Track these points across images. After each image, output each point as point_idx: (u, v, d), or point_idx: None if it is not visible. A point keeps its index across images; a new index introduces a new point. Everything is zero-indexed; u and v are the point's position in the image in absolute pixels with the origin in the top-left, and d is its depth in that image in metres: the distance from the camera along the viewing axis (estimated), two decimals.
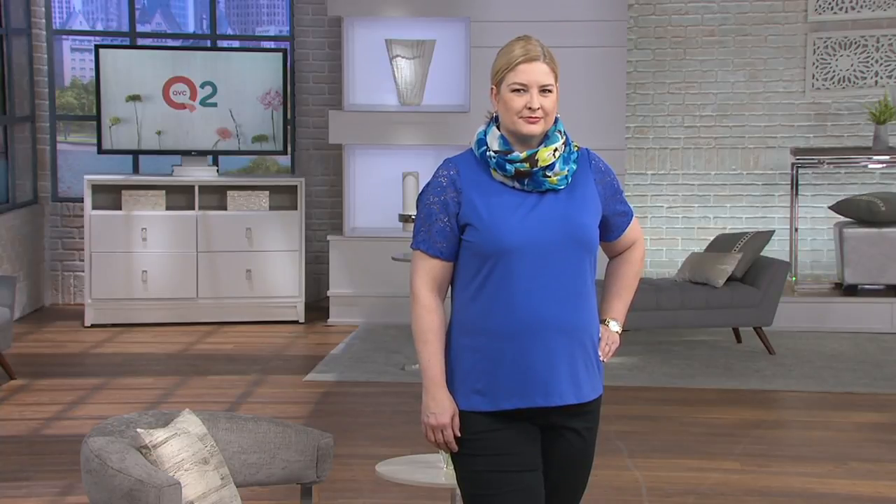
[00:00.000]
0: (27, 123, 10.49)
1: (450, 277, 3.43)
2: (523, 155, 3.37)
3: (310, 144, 10.75)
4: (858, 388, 7.87)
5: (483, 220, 3.35)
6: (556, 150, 3.39)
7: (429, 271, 3.41)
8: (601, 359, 3.47)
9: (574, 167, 3.43)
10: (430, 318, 3.39)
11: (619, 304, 3.57)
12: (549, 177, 3.38)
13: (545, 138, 3.41)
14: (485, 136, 3.43)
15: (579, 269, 3.38)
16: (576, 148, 3.47)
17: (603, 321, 3.53)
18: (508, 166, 3.37)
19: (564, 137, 3.43)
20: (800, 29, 10.41)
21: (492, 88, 3.42)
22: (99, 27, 11.46)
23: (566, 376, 3.37)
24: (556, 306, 3.34)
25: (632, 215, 3.56)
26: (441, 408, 3.37)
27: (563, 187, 3.40)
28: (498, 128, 3.43)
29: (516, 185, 3.38)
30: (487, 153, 3.40)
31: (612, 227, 3.53)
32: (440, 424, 3.37)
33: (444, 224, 3.39)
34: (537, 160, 3.36)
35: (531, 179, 3.37)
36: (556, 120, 3.43)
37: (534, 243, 3.34)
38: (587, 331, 3.41)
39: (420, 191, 3.47)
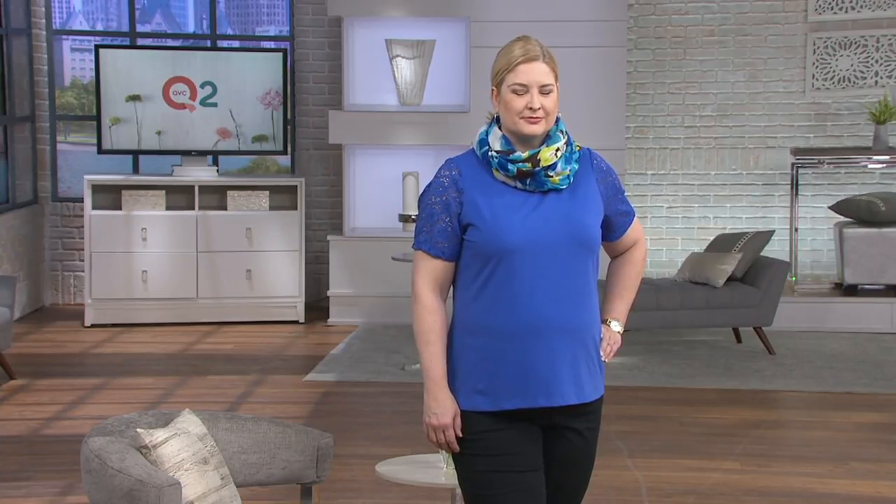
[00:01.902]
0: (27, 123, 10.49)
1: (451, 277, 3.43)
2: (525, 155, 3.37)
3: (310, 144, 10.75)
4: (858, 388, 7.87)
5: (485, 221, 3.35)
6: (557, 149, 3.39)
7: (430, 271, 3.41)
8: (603, 359, 3.47)
9: (576, 167, 3.43)
10: (431, 319, 3.39)
11: (621, 304, 3.57)
12: (551, 177, 3.38)
13: (547, 138, 3.40)
14: (486, 136, 3.43)
15: (581, 269, 3.38)
16: (577, 148, 3.47)
17: (604, 321, 3.53)
18: (510, 166, 3.37)
19: (566, 137, 3.43)
20: (800, 29, 10.41)
21: (492, 90, 3.41)
22: (99, 27, 11.46)
23: (568, 376, 3.37)
24: (558, 306, 3.34)
25: (633, 215, 3.56)
26: (443, 408, 3.37)
27: (565, 187, 3.40)
28: (500, 128, 3.43)
29: (518, 185, 3.38)
30: (489, 153, 3.40)
31: (613, 227, 3.52)
32: (442, 425, 3.36)
33: (445, 224, 3.38)
34: (539, 160, 3.36)
35: (533, 179, 3.37)
36: (558, 120, 3.43)
37: (536, 243, 3.34)
38: (589, 331, 3.41)
39: (421, 191, 3.47)
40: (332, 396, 7.72)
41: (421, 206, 3.44)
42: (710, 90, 10.53)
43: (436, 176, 3.43)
